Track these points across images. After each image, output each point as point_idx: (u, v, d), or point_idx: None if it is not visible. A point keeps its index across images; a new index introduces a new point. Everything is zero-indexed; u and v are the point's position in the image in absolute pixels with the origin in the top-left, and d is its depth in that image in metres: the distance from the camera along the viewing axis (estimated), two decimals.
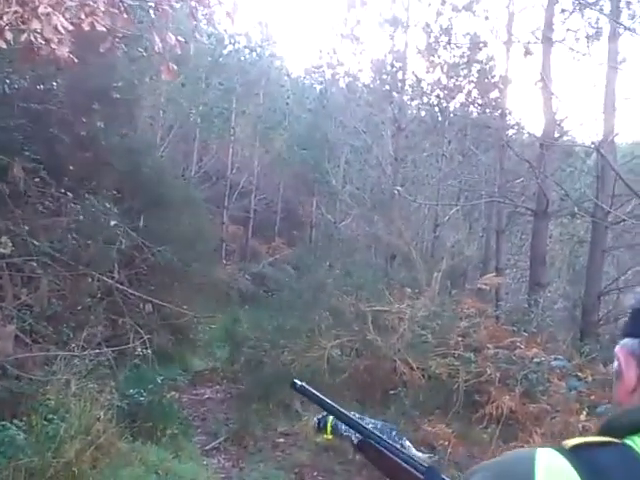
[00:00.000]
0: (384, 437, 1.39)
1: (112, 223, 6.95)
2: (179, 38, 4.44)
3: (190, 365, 9.82)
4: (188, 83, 18.55)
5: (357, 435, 1.45)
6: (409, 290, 9.92)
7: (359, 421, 1.43)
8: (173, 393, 6.67)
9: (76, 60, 3.85)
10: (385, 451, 1.35)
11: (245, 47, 23.05)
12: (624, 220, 12.73)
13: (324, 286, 9.74)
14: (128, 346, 6.87)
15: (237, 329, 9.66)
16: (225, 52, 22.01)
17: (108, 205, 7.15)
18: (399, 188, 15.02)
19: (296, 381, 1.50)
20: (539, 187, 12.85)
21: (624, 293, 14.01)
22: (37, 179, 6.58)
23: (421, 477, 1.27)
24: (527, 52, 12.24)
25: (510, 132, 16.99)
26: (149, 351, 6.93)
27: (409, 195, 15.53)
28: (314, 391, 1.49)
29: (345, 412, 1.45)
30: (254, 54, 22.92)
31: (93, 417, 4.73)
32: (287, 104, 23.09)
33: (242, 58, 22.51)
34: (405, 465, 1.30)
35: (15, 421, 4.38)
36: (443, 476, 1.25)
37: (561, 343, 10.46)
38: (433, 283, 10.15)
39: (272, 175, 23.19)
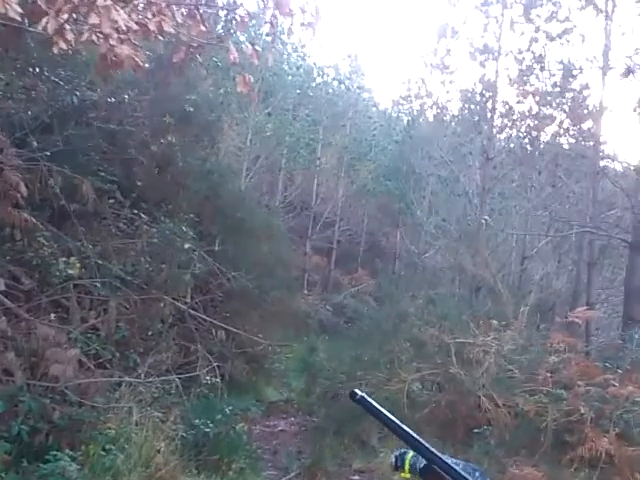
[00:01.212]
0: (453, 464, 1.24)
1: (186, 246, 6.84)
2: (256, 47, 4.26)
3: (264, 395, 9.59)
4: (275, 114, 18.76)
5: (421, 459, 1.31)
6: (495, 322, 9.42)
7: (424, 442, 1.30)
8: (242, 424, 6.40)
9: (146, 65, 3.73)
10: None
11: (333, 79, 23.26)
12: None
13: (405, 315, 9.38)
14: (196, 373, 6.67)
15: (314, 359, 9.38)
16: (313, 84, 22.20)
17: (184, 229, 7.06)
18: (487, 217, 14.55)
19: (356, 391, 1.36)
20: (635, 218, 12.14)
21: None
22: (112, 200, 6.56)
23: None
24: (628, 71, 11.59)
25: (603, 163, 16.34)
26: (218, 380, 6.71)
27: (496, 226, 15.02)
28: (375, 404, 1.34)
29: (409, 431, 1.32)
30: (342, 86, 23.08)
31: (154, 448, 4.53)
32: (374, 135, 23.17)
33: (330, 90, 22.70)
34: None
35: (68, 451, 4.21)
36: None
37: None
38: (520, 317, 9.64)
39: (356, 206, 23.11)
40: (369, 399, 1.34)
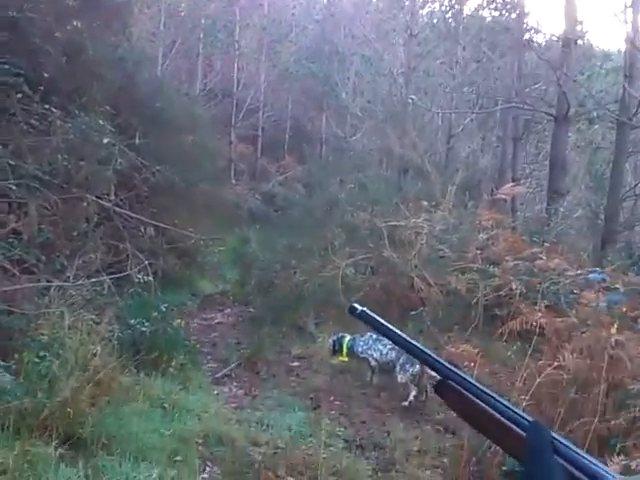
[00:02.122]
0: (469, 378, 1.09)
1: (105, 141, 6.42)
2: None
3: (199, 289, 9.54)
4: None
5: (433, 374, 1.15)
6: (426, 203, 9.46)
7: (437, 358, 1.13)
8: (179, 320, 6.33)
9: None
10: (475, 399, 1.06)
11: None
12: None
13: (336, 202, 9.31)
14: (127, 272, 6.46)
15: (247, 250, 9.29)
16: None
17: (102, 122, 6.60)
18: (413, 97, 14.38)
19: (356, 306, 1.24)
20: (560, 90, 12.22)
21: None
22: (19, 95, 6.00)
23: (522, 434, 0.99)
24: None
25: (527, 35, 16.26)
26: (151, 277, 6.53)
27: (422, 105, 14.91)
28: (378, 317, 1.22)
29: (419, 345, 1.15)
30: None
31: (90, 351, 4.40)
32: (293, 15, 22.36)
33: None
34: (500, 417, 1.02)
35: (1, 361, 4.04)
36: (553, 434, 0.97)
37: (582, 253, 10.16)
38: (448, 196, 9.71)
39: (280, 91, 22.54)
40: (371, 313, 1.22)
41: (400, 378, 6.10)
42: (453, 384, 1.07)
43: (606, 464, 3.72)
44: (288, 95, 22.44)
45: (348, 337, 6.47)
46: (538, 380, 4.87)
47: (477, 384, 1.06)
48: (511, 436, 1.00)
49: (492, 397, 1.04)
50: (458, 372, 1.08)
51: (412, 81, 16.60)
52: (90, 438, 4.08)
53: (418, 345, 1.14)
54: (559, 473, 0.92)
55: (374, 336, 6.61)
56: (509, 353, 6.34)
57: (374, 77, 18.92)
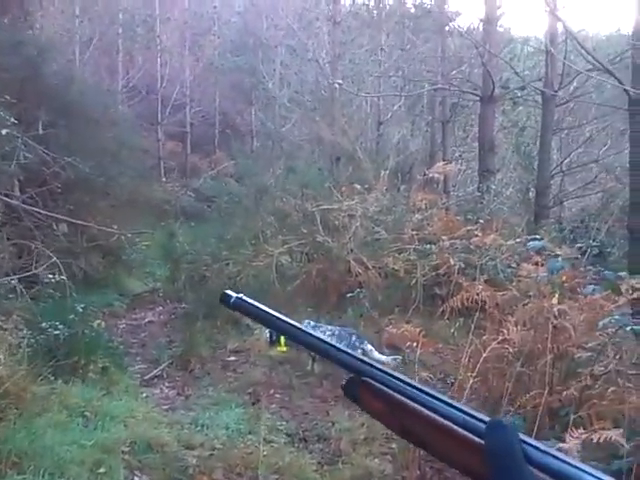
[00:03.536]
0: (394, 373, 0.79)
1: (4, 132, 5.89)
2: None
3: (127, 288, 9.01)
4: None
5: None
6: (358, 187, 9.23)
7: (345, 349, 0.84)
8: (99, 321, 5.88)
9: None
10: (405, 400, 0.74)
11: None
12: (568, 101, 12.49)
13: (266, 189, 8.96)
14: (33, 272, 5.95)
15: (174, 244, 8.85)
16: None
17: (2, 114, 6.06)
18: (339, 82, 14.17)
19: (229, 293, 0.97)
20: (485, 69, 12.20)
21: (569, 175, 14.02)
22: None
23: (478, 442, 0.67)
24: None
25: (449, 19, 16.33)
26: (64, 277, 6.03)
27: (349, 89, 14.74)
28: (261, 306, 0.94)
29: (319, 336, 0.87)
30: None
31: None
32: (214, 7, 21.92)
33: None
34: (444, 422, 0.71)
35: None
36: (522, 436, 0.66)
37: (516, 228, 10.18)
38: (381, 180, 9.54)
39: (206, 85, 22.06)
40: (249, 300, 0.95)
41: None
42: (371, 382, 0.78)
43: (563, 439, 3.52)
44: (215, 89, 21.98)
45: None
46: (483, 356, 4.67)
47: (406, 379, 0.77)
48: (462, 446, 0.69)
49: (429, 395, 0.74)
50: (376, 366, 0.80)
51: (338, 69, 16.43)
52: None
53: (318, 336, 0.87)
54: None
55: (312, 323, 6.33)
56: (452, 331, 6.18)
57: (300, 67, 18.71)
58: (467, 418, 0.70)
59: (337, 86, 14.28)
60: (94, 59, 18.69)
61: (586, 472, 0.62)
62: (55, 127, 7.61)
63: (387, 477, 4.28)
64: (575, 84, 12.69)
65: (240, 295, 0.96)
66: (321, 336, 0.88)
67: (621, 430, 3.52)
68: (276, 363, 6.34)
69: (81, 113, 8.37)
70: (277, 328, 0.92)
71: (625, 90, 6.82)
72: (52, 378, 4.75)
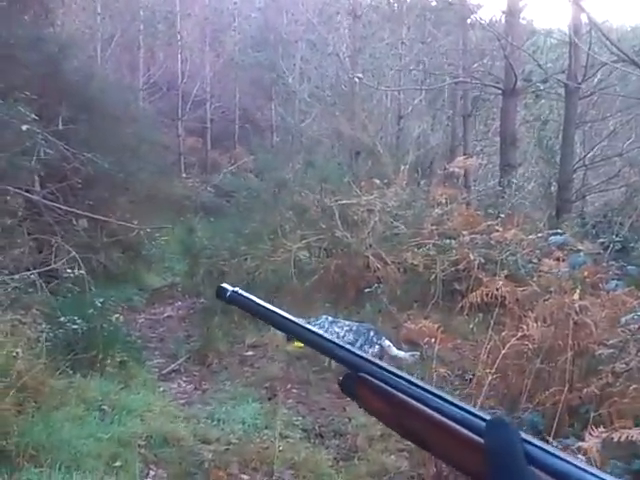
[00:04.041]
0: (392, 369, 0.76)
1: (24, 128, 5.92)
2: None
3: (146, 283, 9.05)
4: None
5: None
6: (378, 181, 9.18)
7: (342, 344, 0.82)
8: (118, 315, 5.90)
9: None
10: (404, 397, 0.72)
11: None
12: (592, 93, 12.32)
13: (285, 183, 8.93)
14: (53, 266, 5.98)
15: (193, 240, 8.86)
16: None
17: (22, 109, 6.09)
18: (360, 75, 14.09)
19: (225, 286, 0.96)
20: (507, 62, 12.05)
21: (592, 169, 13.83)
22: None
23: (479, 441, 0.65)
24: None
25: (471, 12, 16.18)
26: (83, 272, 6.06)
27: (369, 83, 14.66)
28: (257, 299, 0.93)
29: (316, 330, 0.86)
30: None
31: (11, 354, 3.95)
32: (235, 3, 21.91)
33: None
34: (443, 419, 0.69)
35: None
36: (524, 435, 0.63)
37: (537, 222, 10.07)
38: (401, 175, 9.47)
39: (226, 81, 22.09)
40: (245, 293, 0.93)
41: None
42: (369, 378, 0.76)
43: (582, 438, 3.46)
44: (235, 85, 22.00)
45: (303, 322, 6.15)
46: (503, 352, 4.61)
47: (405, 376, 0.74)
48: (462, 445, 0.66)
49: (429, 392, 0.72)
50: (374, 361, 0.78)
51: (358, 63, 16.40)
52: (15, 450, 3.67)
53: (315, 330, 0.86)
54: None
55: (330, 318, 6.31)
56: (471, 326, 6.12)
57: (320, 62, 18.67)
58: (467, 416, 0.68)
59: (357, 80, 14.21)
60: (115, 56, 18.80)
61: (589, 473, 0.60)
62: (75, 123, 7.65)
63: (403, 474, 4.25)
64: (599, 76, 12.49)
65: (236, 289, 0.95)
66: (318, 330, 0.86)
67: None
68: (293, 358, 6.33)
69: (101, 109, 8.41)
70: (273, 322, 0.92)
71: None
72: (70, 372, 4.78)
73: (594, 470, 0.60)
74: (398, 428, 0.74)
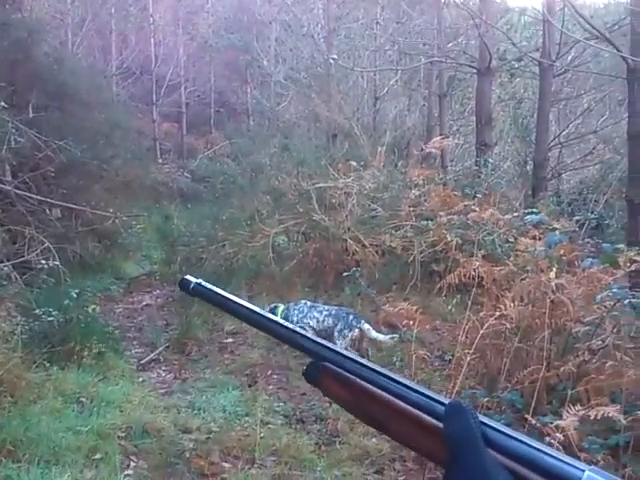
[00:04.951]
0: (353, 356, 0.78)
1: None
2: None
3: (123, 272, 8.96)
4: None
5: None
6: (354, 164, 9.15)
7: (304, 333, 0.84)
8: (94, 306, 5.84)
9: None
10: (364, 384, 0.74)
11: None
12: (566, 71, 12.36)
13: (261, 168, 8.87)
14: (25, 258, 5.90)
15: (169, 227, 8.79)
16: None
17: None
18: (335, 57, 14.01)
19: (188, 278, 0.95)
20: (481, 41, 12.03)
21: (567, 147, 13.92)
22: None
23: (438, 425, 0.66)
24: None
25: None
26: (57, 263, 5.98)
27: (344, 64, 14.59)
28: (219, 290, 0.93)
29: (275, 319, 0.87)
30: None
31: None
32: None
33: None
34: (403, 405, 0.70)
35: None
36: (482, 417, 0.65)
37: (514, 201, 10.13)
38: (378, 156, 9.44)
39: (201, 64, 21.87)
40: (208, 285, 0.94)
41: (339, 344, 5.79)
42: (331, 366, 0.77)
43: (560, 415, 3.49)
44: (210, 68, 21.79)
45: (282, 307, 6.14)
46: (481, 332, 4.63)
47: (367, 363, 0.76)
48: (423, 430, 0.68)
49: (390, 378, 0.73)
50: (337, 350, 0.80)
51: (334, 44, 16.28)
52: None
53: (278, 320, 0.87)
54: (498, 475, 0.58)
55: (309, 303, 6.30)
56: (449, 307, 6.15)
57: (295, 43, 18.52)
58: (428, 401, 0.69)
59: (332, 61, 14.14)
60: (87, 40, 18.48)
61: (547, 454, 0.61)
62: (47, 110, 7.53)
63: (385, 456, 4.27)
64: (573, 53, 12.54)
65: (199, 280, 0.95)
66: (281, 321, 0.87)
67: (618, 406, 3.50)
68: (273, 344, 6.30)
69: (73, 95, 8.27)
70: (237, 314, 0.92)
71: (623, 58, 6.71)
72: (47, 365, 4.73)
73: (552, 451, 0.61)
74: (361, 415, 0.75)
